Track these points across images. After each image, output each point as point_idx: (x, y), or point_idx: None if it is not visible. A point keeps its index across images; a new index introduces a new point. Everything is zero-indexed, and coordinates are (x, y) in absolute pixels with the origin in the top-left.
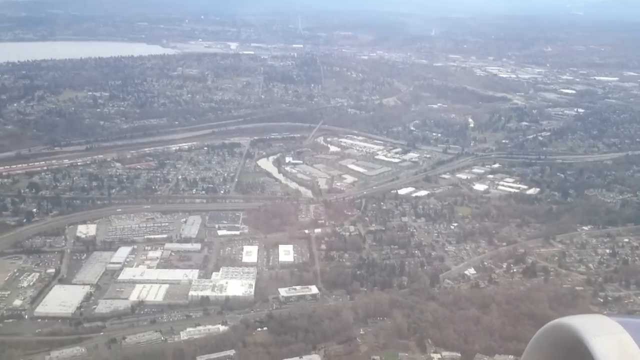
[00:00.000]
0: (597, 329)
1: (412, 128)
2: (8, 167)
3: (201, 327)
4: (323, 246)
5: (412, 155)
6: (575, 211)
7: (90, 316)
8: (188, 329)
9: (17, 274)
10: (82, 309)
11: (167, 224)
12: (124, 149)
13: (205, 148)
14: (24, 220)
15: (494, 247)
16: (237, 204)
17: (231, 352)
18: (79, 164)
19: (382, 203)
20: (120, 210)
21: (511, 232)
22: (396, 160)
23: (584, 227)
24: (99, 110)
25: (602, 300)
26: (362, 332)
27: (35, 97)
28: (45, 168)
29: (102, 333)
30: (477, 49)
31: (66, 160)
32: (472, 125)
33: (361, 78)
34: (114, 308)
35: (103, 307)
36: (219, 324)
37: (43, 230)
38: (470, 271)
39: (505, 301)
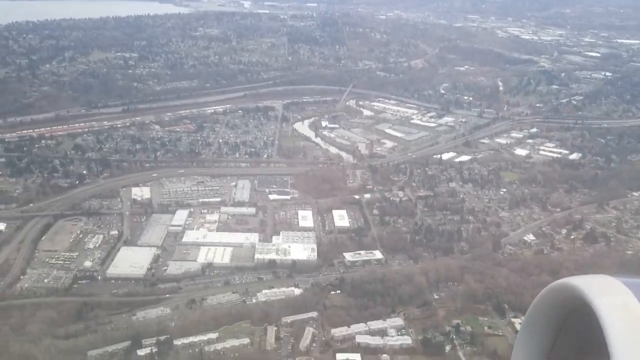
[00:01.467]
0: (602, 290)
1: (443, 91)
2: (49, 128)
3: (276, 290)
4: (375, 211)
5: (448, 119)
6: (621, 177)
7: (163, 277)
8: (264, 291)
9: (81, 236)
10: (153, 271)
11: (217, 187)
12: (160, 112)
13: (240, 111)
14: (76, 182)
15: (548, 213)
16: (283, 169)
17: (314, 314)
18: (118, 126)
19: (427, 168)
20: (169, 173)
21: (562, 198)
22: (432, 124)
23: (634, 193)
24: (130, 71)
25: None
26: (436, 297)
27: (65, 57)
28: (86, 130)
29: (179, 294)
30: (495, 10)
31: (105, 122)
32: (501, 88)
33: (385, 39)
34: (184, 270)
35: (173, 268)
36: (292, 286)
37: (97, 193)
38: (530, 237)
39: (573, 267)
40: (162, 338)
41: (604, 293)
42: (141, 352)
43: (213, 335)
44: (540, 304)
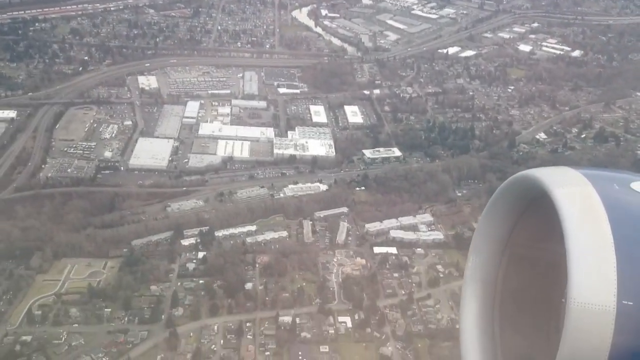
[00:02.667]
0: (561, 181)
1: None
2: (41, 10)
3: (302, 185)
4: (387, 108)
5: (449, 10)
6: (625, 76)
7: (186, 170)
8: (290, 186)
9: (95, 125)
10: (174, 163)
11: (224, 79)
12: None
13: None
14: (80, 69)
15: (557, 111)
16: (288, 61)
17: (344, 210)
18: (112, 9)
19: (433, 64)
20: (173, 62)
21: (568, 97)
22: (434, 16)
23: (638, 93)
24: None
25: None
26: (459, 194)
27: None
28: (80, 13)
29: (206, 187)
30: None
31: (98, 5)
32: None
33: None
34: (206, 163)
35: (195, 161)
36: (317, 182)
37: (103, 81)
38: (542, 135)
39: (592, 166)
40: (202, 229)
41: (564, 184)
42: (185, 242)
43: (251, 228)
44: (503, 194)
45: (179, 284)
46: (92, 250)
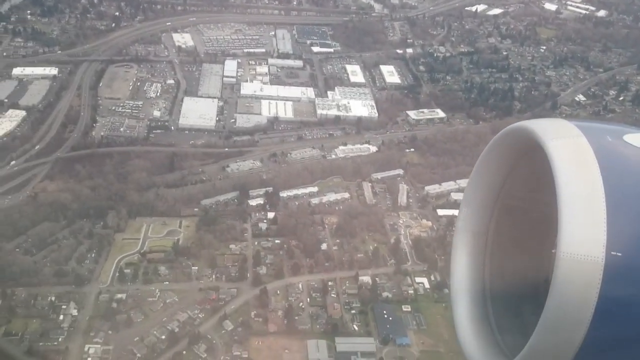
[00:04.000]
0: (555, 132)
1: None
2: None
3: (351, 146)
4: (422, 67)
5: None
6: None
7: (234, 130)
8: (341, 147)
9: (138, 84)
10: (221, 122)
11: (257, 37)
12: None
13: None
14: (113, 25)
15: (592, 73)
16: (318, 18)
17: (400, 171)
18: None
19: (463, 22)
20: (202, 18)
21: (600, 58)
22: None
23: None
24: None
25: None
26: None
27: None
28: None
29: (257, 147)
30: None
31: None
32: None
33: None
34: (253, 123)
35: (242, 121)
36: (365, 143)
37: (138, 38)
38: (581, 97)
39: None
40: (267, 190)
41: (557, 136)
42: (252, 202)
43: (313, 189)
44: (496, 145)
45: (255, 243)
46: (164, 209)
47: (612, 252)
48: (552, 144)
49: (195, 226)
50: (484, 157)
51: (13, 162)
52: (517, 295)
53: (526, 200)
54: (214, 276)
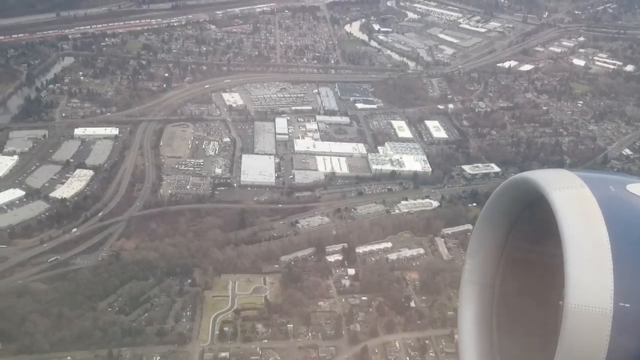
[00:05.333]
0: (558, 183)
1: None
2: (106, 25)
3: (413, 201)
4: (465, 122)
5: (495, 24)
6: None
7: (294, 186)
8: (403, 202)
9: (196, 142)
10: (281, 179)
11: (302, 94)
12: (208, 9)
13: (287, 11)
14: (164, 86)
15: (633, 127)
16: (357, 76)
17: (469, 226)
18: (174, 24)
19: (498, 78)
20: (247, 78)
21: (636, 112)
22: (482, 29)
23: None
24: None
25: None
26: None
27: None
28: (145, 28)
29: (320, 202)
30: None
31: (159, 20)
32: None
33: None
34: (311, 179)
35: (300, 177)
36: (426, 198)
37: (190, 98)
38: (627, 151)
39: None
40: (343, 245)
41: (560, 186)
42: (330, 258)
43: (387, 245)
44: (500, 196)
45: (343, 300)
46: (246, 266)
47: (620, 303)
48: (556, 194)
49: (279, 283)
50: (488, 208)
51: (91, 221)
52: (526, 348)
53: (531, 251)
54: (309, 334)
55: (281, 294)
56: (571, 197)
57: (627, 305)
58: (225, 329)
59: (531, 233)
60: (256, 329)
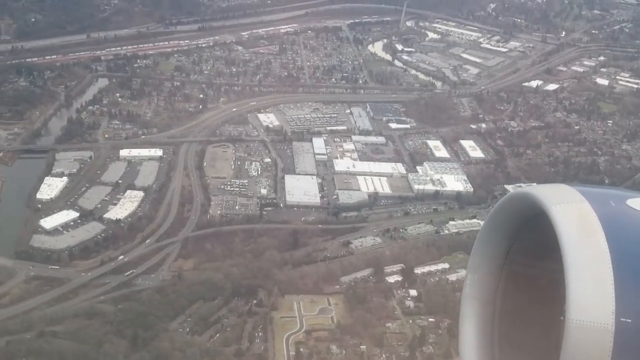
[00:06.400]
0: (558, 198)
1: (493, 13)
2: (136, 46)
3: (461, 221)
4: (499, 142)
5: (515, 44)
6: None
7: (339, 206)
8: (451, 222)
9: (238, 163)
10: (325, 199)
11: (335, 115)
12: (233, 30)
13: (310, 32)
14: (200, 107)
15: None
16: (386, 96)
17: None
18: (202, 46)
19: (526, 97)
20: (279, 98)
21: None
22: (503, 49)
23: None
24: None
25: None
26: None
27: None
28: (175, 49)
29: (368, 223)
30: None
31: (187, 41)
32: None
33: None
34: (356, 199)
35: (344, 197)
36: (473, 218)
37: (227, 118)
38: None
39: None
40: (402, 266)
41: (560, 201)
42: (389, 279)
43: (444, 265)
44: (500, 212)
45: (410, 321)
46: (307, 287)
47: (622, 319)
48: (556, 209)
49: (343, 303)
50: (488, 224)
51: (147, 241)
52: None
53: (532, 266)
54: (383, 355)
55: (347, 314)
56: (571, 212)
57: (629, 320)
58: (301, 349)
59: (532, 248)
60: (331, 350)
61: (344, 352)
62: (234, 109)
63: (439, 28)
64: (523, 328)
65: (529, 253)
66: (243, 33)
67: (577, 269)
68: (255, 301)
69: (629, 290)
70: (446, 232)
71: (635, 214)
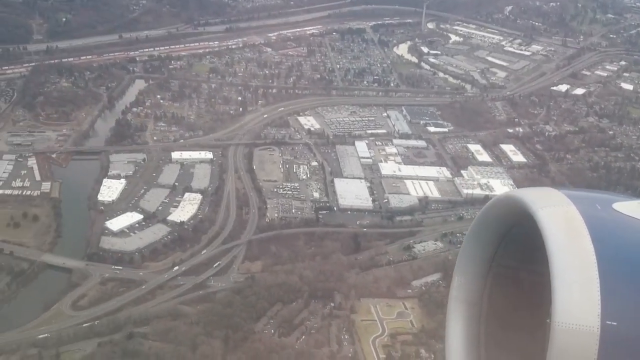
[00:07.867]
0: (545, 201)
1: (511, 16)
2: (168, 47)
3: None
4: (538, 146)
5: (537, 47)
6: None
7: (391, 209)
8: None
9: (286, 166)
10: (376, 202)
11: (372, 118)
12: (260, 31)
13: (335, 34)
14: (240, 110)
15: None
16: (422, 100)
17: None
18: (232, 47)
19: (557, 101)
20: (316, 101)
21: None
22: (527, 52)
23: None
24: None
25: None
26: None
27: None
28: (207, 50)
29: (424, 227)
30: None
31: (216, 42)
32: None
33: None
34: (407, 203)
35: (395, 201)
36: None
37: (269, 121)
38: None
39: None
40: None
41: (547, 204)
42: None
43: None
44: (487, 214)
45: None
46: (380, 290)
47: (608, 322)
48: (542, 212)
49: (419, 308)
50: (475, 227)
51: (212, 244)
52: None
53: (519, 269)
54: None
55: (425, 318)
56: (558, 215)
57: (615, 323)
58: (394, 353)
59: (518, 251)
60: (420, 353)
61: (432, 356)
62: (277, 111)
63: (460, 30)
64: (509, 330)
65: (516, 256)
66: (270, 34)
67: (563, 271)
68: (333, 304)
69: (615, 293)
70: None
71: (621, 217)
